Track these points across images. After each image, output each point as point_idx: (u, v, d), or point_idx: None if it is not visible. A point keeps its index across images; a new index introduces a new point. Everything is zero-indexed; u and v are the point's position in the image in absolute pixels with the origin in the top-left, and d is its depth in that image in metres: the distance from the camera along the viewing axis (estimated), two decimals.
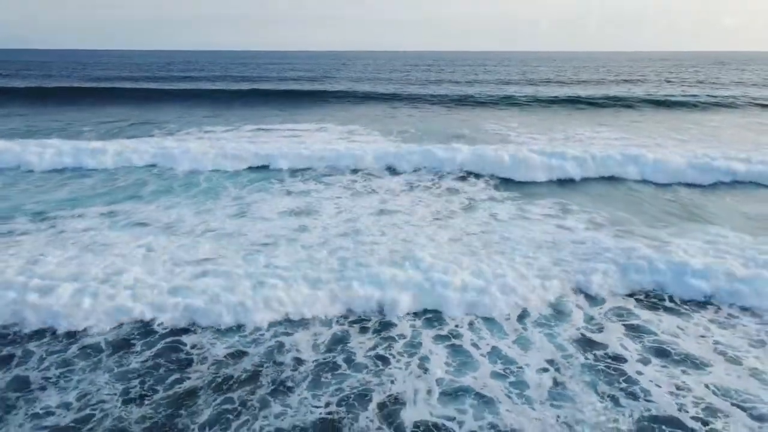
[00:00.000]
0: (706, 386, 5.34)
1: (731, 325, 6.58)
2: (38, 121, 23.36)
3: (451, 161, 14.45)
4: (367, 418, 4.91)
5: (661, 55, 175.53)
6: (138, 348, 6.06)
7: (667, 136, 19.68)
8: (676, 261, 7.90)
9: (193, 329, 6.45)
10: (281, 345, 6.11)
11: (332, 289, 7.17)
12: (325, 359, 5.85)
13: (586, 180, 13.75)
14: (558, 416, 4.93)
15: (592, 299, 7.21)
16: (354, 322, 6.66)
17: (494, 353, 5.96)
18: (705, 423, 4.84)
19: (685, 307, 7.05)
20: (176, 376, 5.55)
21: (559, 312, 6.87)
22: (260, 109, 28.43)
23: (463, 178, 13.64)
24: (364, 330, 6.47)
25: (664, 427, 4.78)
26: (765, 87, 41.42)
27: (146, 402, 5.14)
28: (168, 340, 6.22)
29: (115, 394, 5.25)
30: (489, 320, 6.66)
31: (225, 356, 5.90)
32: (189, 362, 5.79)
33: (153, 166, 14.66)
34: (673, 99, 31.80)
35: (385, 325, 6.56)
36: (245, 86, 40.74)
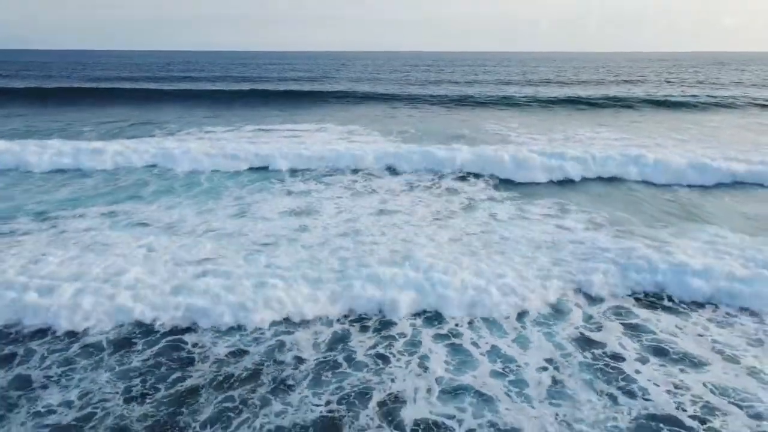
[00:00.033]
0: (704, 385, 5.38)
1: (729, 325, 6.61)
2: (38, 122, 23.39)
3: (451, 161, 14.48)
4: (367, 416, 4.95)
5: (661, 56, 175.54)
6: (139, 347, 6.10)
7: (666, 137, 19.71)
8: (676, 261, 7.93)
9: (194, 328, 6.48)
10: (282, 344, 6.14)
11: (333, 289, 7.20)
12: (325, 358, 5.88)
13: (585, 180, 13.78)
14: (557, 414, 4.96)
15: (591, 299, 7.25)
16: (354, 321, 6.69)
17: (494, 352, 6.00)
18: (703, 421, 4.87)
19: (684, 306, 7.08)
20: (178, 374, 5.58)
21: (558, 311, 6.91)
22: (260, 110, 28.46)
23: (462, 178, 13.67)
24: (364, 329, 6.50)
25: (662, 425, 4.82)
26: (764, 87, 41.47)
27: (148, 400, 5.17)
28: (169, 339, 6.26)
29: (117, 393, 5.28)
30: (488, 319, 6.69)
31: (226, 355, 5.93)
32: (190, 361, 5.83)
33: (153, 166, 14.70)
34: (672, 99, 31.84)
35: (386, 324, 6.60)
36: (245, 86, 40.78)
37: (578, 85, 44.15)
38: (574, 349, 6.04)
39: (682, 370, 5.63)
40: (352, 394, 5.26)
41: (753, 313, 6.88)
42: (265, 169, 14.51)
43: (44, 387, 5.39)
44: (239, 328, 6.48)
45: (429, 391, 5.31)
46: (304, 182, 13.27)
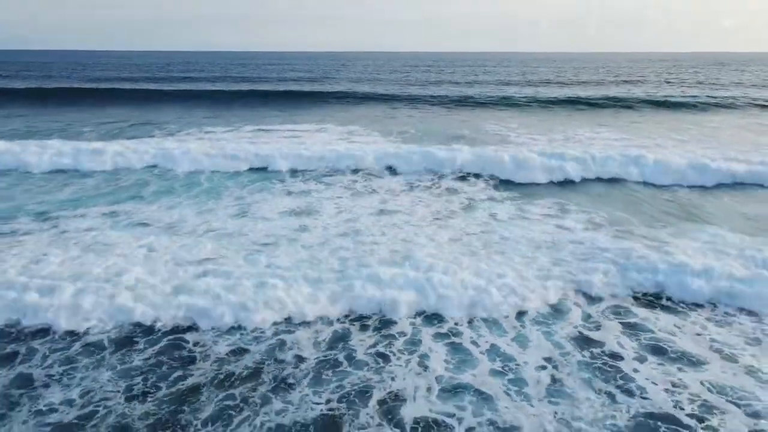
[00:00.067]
0: (702, 384, 5.40)
1: (728, 324, 6.64)
2: (38, 122, 23.41)
3: (451, 162, 14.50)
4: (367, 414, 4.98)
5: (661, 56, 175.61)
6: (140, 346, 6.13)
7: (666, 137, 19.73)
8: (675, 261, 7.96)
9: (195, 328, 6.51)
10: (282, 343, 6.17)
11: (333, 289, 7.22)
12: (326, 357, 5.91)
13: (585, 180, 13.81)
14: (555, 413, 4.99)
15: (591, 298, 7.27)
16: (354, 320, 6.72)
17: (493, 351, 6.03)
18: (701, 420, 4.90)
19: (683, 306, 7.11)
20: (179, 373, 5.61)
21: (557, 311, 6.94)
22: (260, 110, 28.49)
23: (463, 179, 13.70)
24: (364, 328, 6.53)
25: (660, 423, 4.85)
26: (764, 87, 41.50)
27: (149, 399, 5.20)
28: (170, 338, 6.29)
29: (118, 391, 5.31)
30: (488, 319, 6.72)
31: (227, 354, 5.96)
32: (191, 360, 5.86)
33: (154, 166, 14.72)
34: (672, 99, 31.86)
35: (386, 324, 6.63)
36: (245, 87, 40.85)
37: (578, 86, 44.18)
38: (572, 348, 6.07)
39: (680, 369, 5.66)
40: (353, 392, 5.29)
41: (751, 313, 6.91)
42: (265, 169, 14.53)
43: (46, 386, 5.42)
44: (240, 327, 6.50)
45: (429, 389, 5.34)
46: (304, 182, 13.31)
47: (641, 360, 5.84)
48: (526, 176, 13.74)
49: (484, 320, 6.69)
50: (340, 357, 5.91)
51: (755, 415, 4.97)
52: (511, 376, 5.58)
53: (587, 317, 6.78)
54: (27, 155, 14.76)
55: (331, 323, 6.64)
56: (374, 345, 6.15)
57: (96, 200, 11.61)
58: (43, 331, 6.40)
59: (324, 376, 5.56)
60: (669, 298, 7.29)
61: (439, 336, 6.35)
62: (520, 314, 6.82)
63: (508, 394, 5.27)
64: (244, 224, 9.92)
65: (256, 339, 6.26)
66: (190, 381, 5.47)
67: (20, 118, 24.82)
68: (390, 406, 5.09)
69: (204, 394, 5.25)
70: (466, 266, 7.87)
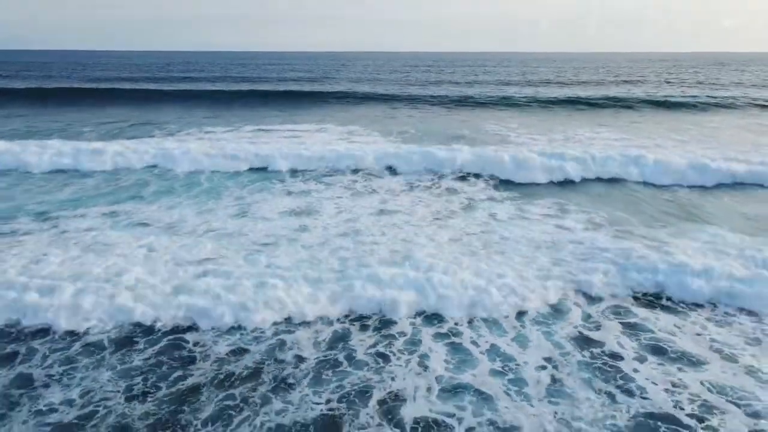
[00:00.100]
0: (702, 384, 5.41)
1: (728, 324, 6.64)
2: (38, 122, 23.42)
3: (451, 162, 14.50)
4: (367, 414, 4.98)
5: (661, 56, 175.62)
6: (140, 346, 6.13)
7: (666, 137, 19.73)
8: (675, 261, 7.96)
9: (195, 328, 6.51)
10: (282, 343, 6.17)
11: (333, 289, 7.22)
12: (326, 357, 5.92)
13: (585, 180, 13.81)
14: (555, 413, 4.99)
15: (591, 298, 7.27)
16: (354, 320, 6.72)
17: (493, 351, 6.03)
18: (701, 420, 4.90)
19: (683, 306, 7.11)
20: (179, 373, 5.61)
21: (557, 311, 6.94)
22: (260, 110, 28.49)
23: (462, 179, 13.71)
24: (364, 328, 6.54)
25: (660, 423, 4.85)
26: (764, 88, 41.50)
27: (149, 399, 5.20)
28: (170, 338, 6.29)
29: (119, 391, 5.31)
30: (488, 319, 6.72)
31: (227, 354, 5.97)
32: (191, 360, 5.86)
33: (154, 166, 14.72)
34: (672, 100, 31.86)
35: (386, 324, 6.63)
36: (245, 87, 40.86)
37: (578, 86, 44.19)
38: (572, 348, 6.07)
39: (680, 369, 5.66)
40: (353, 392, 5.29)
41: (751, 313, 6.91)
42: (265, 169, 14.53)
43: (46, 386, 5.42)
44: (240, 327, 6.50)
45: (429, 389, 5.34)
46: (304, 182, 13.31)
47: (641, 360, 5.84)
48: (526, 176, 13.74)
49: (484, 320, 6.69)
50: (340, 357, 5.91)
51: (755, 415, 4.97)
52: (511, 376, 5.58)
53: (587, 317, 6.78)
54: (27, 155, 14.77)
55: (331, 323, 6.64)
56: (374, 345, 6.15)
57: (96, 200, 11.61)
58: (43, 331, 6.40)
59: (324, 376, 5.56)
60: (669, 298, 7.29)
61: (439, 336, 6.36)
62: (520, 314, 6.82)
63: (508, 394, 5.27)
64: (244, 224, 9.92)
65: (256, 339, 6.27)
66: (190, 381, 5.47)
67: (20, 118, 24.83)
68: (390, 406, 5.09)
69: (204, 394, 5.26)
70: (466, 266, 7.87)
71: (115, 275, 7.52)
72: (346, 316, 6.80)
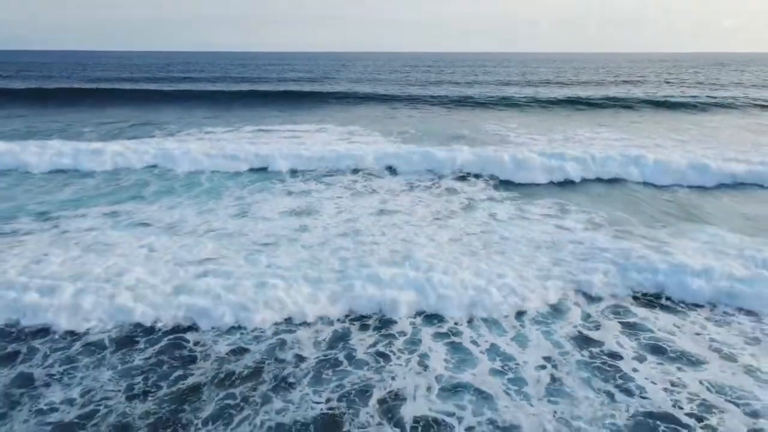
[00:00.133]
0: (701, 383, 5.42)
1: (727, 323, 6.66)
2: (39, 122, 23.43)
3: (451, 162, 14.51)
4: (367, 413, 4.99)
5: (661, 56, 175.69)
6: (141, 345, 6.14)
7: (666, 137, 19.75)
8: (675, 261, 7.97)
9: (195, 327, 6.52)
10: (283, 342, 6.19)
11: (333, 289, 7.23)
12: (326, 356, 5.93)
13: (585, 181, 13.81)
14: (555, 412, 5.01)
15: (590, 298, 7.28)
16: (354, 320, 6.73)
17: (493, 350, 6.04)
18: (700, 419, 4.91)
19: (682, 305, 7.12)
20: (179, 372, 5.63)
21: (557, 311, 6.95)
22: (260, 110, 28.50)
23: (462, 178, 13.72)
24: (364, 327, 6.55)
25: (659, 422, 4.86)
26: (764, 88, 41.53)
27: (150, 398, 5.21)
28: (170, 337, 6.30)
29: (119, 391, 5.32)
30: (488, 318, 6.73)
31: (227, 353, 5.98)
32: (192, 359, 5.87)
33: (154, 166, 14.74)
34: (672, 100, 31.88)
35: (386, 323, 6.64)
36: (245, 87, 40.89)
37: (578, 86, 44.21)
38: (572, 348, 6.09)
39: (679, 369, 5.67)
40: (353, 391, 5.31)
41: (751, 313, 6.92)
42: (265, 169, 14.54)
43: (47, 385, 5.43)
44: (240, 327, 6.52)
45: (429, 388, 5.36)
46: (304, 182, 13.33)
47: (640, 359, 5.85)
48: (526, 176, 13.75)
49: (484, 320, 6.71)
50: (341, 356, 5.92)
51: (754, 414, 4.98)
52: (510, 375, 5.59)
53: (587, 317, 6.80)
54: (27, 155, 14.78)
55: (331, 323, 6.65)
56: (374, 344, 6.16)
57: (97, 200, 11.63)
58: (44, 331, 6.41)
59: (324, 376, 5.57)
60: (668, 298, 7.30)
61: (438, 335, 6.37)
62: (520, 314, 6.83)
63: (507, 394, 5.28)
64: (244, 224, 9.93)
65: (257, 338, 6.28)
66: (190, 380, 5.49)
67: (20, 118, 24.84)
68: (390, 405, 5.11)
69: (205, 393, 5.27)
70: (466, 266, 7.88)
71: (115, 275, 7.53)
72: (346, 316, 6.81)
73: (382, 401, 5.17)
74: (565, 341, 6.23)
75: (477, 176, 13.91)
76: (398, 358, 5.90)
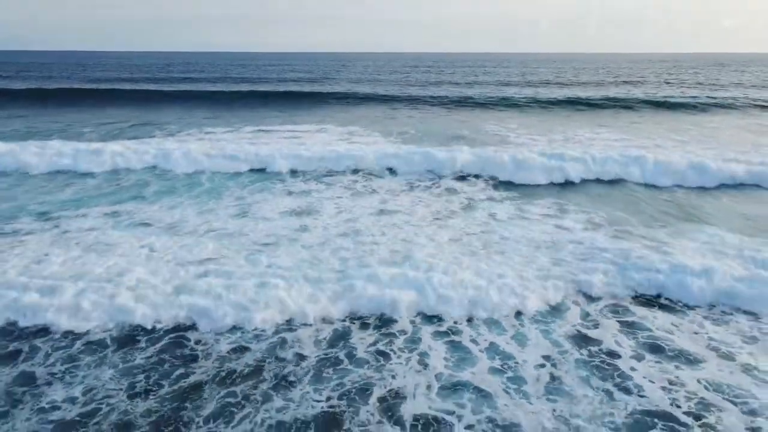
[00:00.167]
0: (699, 382, 5.45)
1: (725, 323, 6.69)
2: (39, 123, 23.46)
3: (451, 162, 14.53)
4: (367, 411, 5.02)
5: (661, 57, 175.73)
6: (142, 344, 6.17)
7: (666, 137, 19.79)
8: (674, 261, 8.00)
9: (196, 327, 6.54)
10: (283, 341, 6.22)
11: (333, 289, 7.25)
12: (326, 355, 5.96)
13: (585, 181, 13.84)
14: (554, 410, 5.04)
15: (589, 298, 7.31)
16: (355, 319, 6.76)
17: (492, 349, 6.07)
18: (697, 418, 4.94)
19: (681, 305, 7.15)
20: (181, 371, 5.66)
21: (556, 310, 6.98)
22: (260, 111, 28.54)
23: (462, 179, 13.75)
24: (365, 327, 6.58)
25: (656, 420, 4.89)
26: (764, 88, 41.56)
27: (151, 396, 5.25)
28: (172, 336, 6.33)
29: (121, 389, 5.35)
30: (488, 318, 6.76)
31: (228, 352, 6.01)
32: (193, 358, 5.90)
33: (155, 167, 14.76)
34: (672, 100, 31.92)
35: (386, 322, 6.67)
36: (245, 87, 40.94)
37: (578, 86, 44.25)
38: (571, 347, 6.12)
39: (677, 367, 5.70)
40: (353, 390, 5.34)
41: (749, 312, 6.94)
42: (265, 169, 14.57)
43: (48, 383, 5.46)
44: (241, 327, 6.54)
45: (429, 387, 5.39)
46: (304, 182, 13.36)
47: (639, 358, 5.88)
48: (526, 177, 13.77)
49: (484, 319, 6.73)
50: (341, 355, 5.95)
51: (752, 412, 5.01)
52: (510, 374, 5.62)
53: (586, 316, 6.83)
54: (28, 156, 14.81)
55: (331, 322, 6.68)
56: (374, 343, 6.20)
57: (97, 200, 11.66)
58: (45, 331, 6.43)
59: (325, 374, 5.60)
60: (667, 298, 7.33)
61: (438, 334, 6.40)
62: (520, 313, 6.86)
63: (507, 392, 5.31)
64: (244, 224, 9.96)
65: (257, 337, 6.31)
66: (192, 378, 5.52)
67: (20, 118, 24.87)
68: (390, 404, 5.14)
69: (206, 392, 5.30)
70: (466, 266, 7.91)
71: (116, 275, 7.56)
72: (347, 316, 6.84)
73: (382, 399, 5.20)
74: (564, 340, 6.26)
75: (477, 176, 13.94)
76: (398, 356, 5.93)
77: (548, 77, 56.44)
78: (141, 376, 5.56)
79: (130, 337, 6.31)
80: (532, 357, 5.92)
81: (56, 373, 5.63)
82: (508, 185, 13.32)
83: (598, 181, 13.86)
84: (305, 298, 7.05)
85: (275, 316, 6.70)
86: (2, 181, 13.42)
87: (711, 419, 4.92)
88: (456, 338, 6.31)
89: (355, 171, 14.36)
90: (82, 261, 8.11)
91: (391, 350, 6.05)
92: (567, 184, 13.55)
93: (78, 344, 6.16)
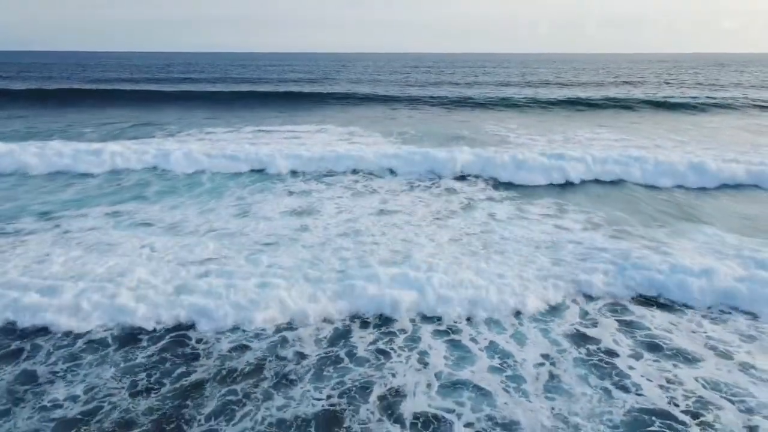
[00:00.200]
0: (697, 380, 5.48)
1: (723, 321, 6.72)
2: (39, 123, 23.50)
3: (450, 162, 14.55)
4: (368, 409, 5.05)
5: (661, 57, 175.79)
6: (144, 343, 6.20)
7: (666, 138, 19.83)
8: (673, 261, 8.03)
9: (197, 327, 6.57)
10: (284, 340, 6.25)
11: (334, 289, 7.28)
12: (327, 353, 5.99)
13: (584, 181, 13.87)
14: (553, 408, 5.07)
15: (588, 297, 7.34)
16: (355, 318, 6.80)
17: (492, 348, 6.10)
18: (695, 416, 4.97)
19: (679, 304, 7.18)
20: (182, 369, 5.69)
21: (555, 309, 7.01)
22: (260, 111, 28.58)
23: (462, 179, 13.80)
24: (365, 326, 6.61)
25: (654, 419, 4.92)
26: (763, 88, 41.61)
27: (153, 394, 5.27)
28: (173, 335, 6.36)
29: (123, 388, 5.38)
30: (487, 317, 6.79)
31: (229, 350, 6.04)
32: (194, 356, 5.93)
33: (155, 167, 14.79)
34: (672, 100, 31.96)
35: (386, 321, 6.70)
36: (245, 88, 41.00)
37: (578, 87, 44.30)
38: (569, 345, 6.15)
39: (675, 366, 5.73)
40: (353, 388, 5.37)
41: (747, 311, 6.97)
42: (266, 169, 14.60)
43: (50, 382, 5.49)
44: (241, 327, 6.57)
45: (429, 385, 5.42)
46: (304, 182, 13.39)
47: (637, 357, 5.91)
48: (526, 177, 13.80)
49: (484, 319, 6.76)
50: (341, 354, 5.98)
51: (749, 411, 5.04)
52: (509, 372, 5.65)
53: (584, 315, 6.86)
54: (28, 156, 14.83)
55: (332, 322, 6.71)
56: (375, 342, 6.23)
57: (98, 200, 11.69)
58: (46, 331, 6.46)
59: (325, 373, 5.63)
60: (666, 297, 7.36)
61: (438, 333, 6.43)
62: (519, 313, 6.89)
63: (506, 390, 5.34)
64: (245, 224, 10.00)
65: (258, 336, 6.34)
66: (193, 377, 5.55)
67: (21, 119, 24.91)
68: (390, 402, 5.17)
69: (207, 390, 5.33)
70: (466, 266, 7.95)
71: (117, 275, 7.58)
72: (347, 316, 6.86)
73: (382, 398, 5.23)
74: (563, 339, 6.29)
75: (477, 177, 13.97)
76: (398, 355, 5.97)
77: (548, 77, 56.51)
78: (142, 375, 5.60)
79: (131, 336, 6.34)
80: (532, 356, 5.95)
81: (58, 372, 5.65)
82: (508, 185, 13.36)
83: (598, 181, 13.89)
84: (306, 297, 7.08)
85: (276, 315, 6.72)
86: (3, 181, 13.46)
87: (708, 417, 4.95)
88: (456, 337, 6.34)
89: (355, 171, 14.39)
90: (83, 261, 8.14)
91: (392, 349, 6.08)
92: (567, 185, 13.58)
93: (79, 343, 6.19)
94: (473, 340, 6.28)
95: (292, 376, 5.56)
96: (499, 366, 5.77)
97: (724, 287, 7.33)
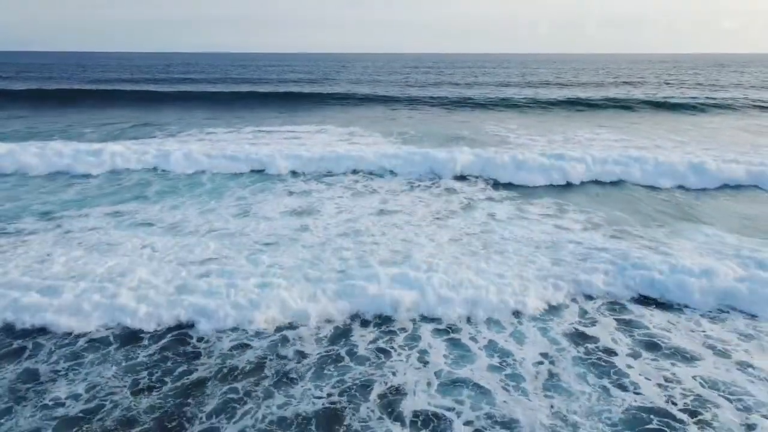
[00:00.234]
0: (695, 379, 5.51)
1: (721, 321, 6.75)
2: (39, 123, 23.53)
3: (450, 162, 14.58)
4: (368, 408, 5.09)
5: (661, 57, 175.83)
6: (145, 342, 6.24)
7: (665, 138, 19.86)
8: (672, 261, 8.06)
9: (198, 327, 6.60)
10: (285, 339, 6.28)
11: (334, 289, 7.31)
12: (327, 352, 6.02)
13: (584, 181, 13.89)
14: (551, 406, 5.10)
15: (588, 297, 7.37)
16: (355, 317, 6.82)
17: (491, 347, 6.13)
18: (693, 414, 5.00)
19: (678, 303, 7.21)
20: (183, 367, 5.72)
21: (554, 308, 7.04)
22: (260, 111, 28.61)
23: (462, 179, 13.83)
24: (365, 325, 6.64)
25: (652, 417, 4.95)
26: (763, 89, 41.64)
27: (155, 393, 5.31)
28: (174, 334, 6.39)
29: (124, 386, 5.41)
30: (487, 316, 6.82)
31: (230, 349, 6.07)
32: (196, 355, 5.96)
33: (155, 167, 14.82)
34: (672, 101, 32.00)
35: (386, 320, 6.74)
36: (245, 88, 41.02)
37: (578, 87, 44.34)
38: (568, 344, 6.18)
39: (673, 365, 5.76)
40: (354, 386, 5.40)
41: (746, 311, 7.00)
42: (266, 169, 14.63)
43: (52, 380, 5.52)
44: (242, 326, 6.59)
45: (428, 384, 5.45)
46: (305, 182, 13.43)
47: (635, 356, 5.94)
48: (526, 177, 13.83)
49: (483, 317, 6.79)
50: (342, 352, 6.02)
51: (747, 409, 5.07)
52: (508, 371, 5.68)
53: (584, 314, 6.89)
54: (29, 156, 14.86)
55: (332, 321, 6.74)
56: (375, 341, 6.26)
57: (99, 200, 11.73)
58: (47, 330, 6.48)
59: (325, 371, 5.66)
60: (665, 297, 7.38)
61: (438, 332, 6.46)
62: (518, 311, 6.92)
63: (505, 389, 5.37)
64: (246, 224, 10.03)
65: (259, 335, 6.37)
66: (194, 375, 5.58)
67: (21, 119, 24.95)
68: (390, 400, 5.20)
69: (208, 388, 5.37)
70: (466, 266, 7.98)
71: (118, 275, 7.62)
72: (348, 315, 6.89)
73: (382, 396, 5.26)
74: (562, 338, 6.32)
75: (477, 177, 14.01)
76: (398, 354, 6.00)
77: (548, 78, 56.55)
78: (144, 373, 5.63)
79: (132, 336, 6.37)
80: (531, 355, 5.98)
81: (60, 371, 5.69)
82: (508, 185, 13.39)
83: (598, 181, 13.92)
84: (306, 297, 7.11)
85: (276, 315, 6.75)
86: (4, 181, 13.49)
87: (706, 416, 4.98)
88: (455, 336, 6.37)
89: (356, 171, 14.43)
90: (84, 261, 8.17)
91: (392, 348, 6.12)
92: (566, 185, 13.61)
93: (81, 342, 6.23)
94: (473, 339, 6.31)
95: (293, 375, 5.59)
96: (498, 365, 5.80)
97: (724, 287, 7.35)
